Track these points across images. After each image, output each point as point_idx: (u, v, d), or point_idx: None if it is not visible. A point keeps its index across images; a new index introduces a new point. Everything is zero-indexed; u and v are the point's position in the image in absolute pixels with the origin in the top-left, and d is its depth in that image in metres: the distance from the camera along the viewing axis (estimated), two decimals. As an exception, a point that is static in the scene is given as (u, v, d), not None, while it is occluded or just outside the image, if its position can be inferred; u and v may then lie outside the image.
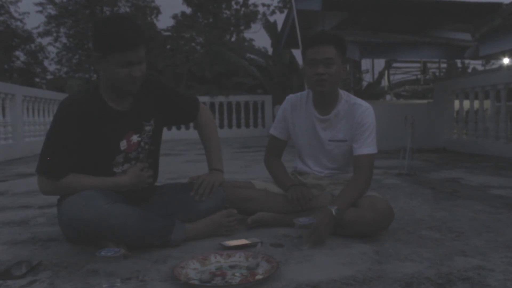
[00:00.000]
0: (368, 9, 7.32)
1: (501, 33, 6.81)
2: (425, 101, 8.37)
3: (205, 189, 1.94)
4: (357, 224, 1.83)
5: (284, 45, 9.96)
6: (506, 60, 8.68)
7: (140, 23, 2.69)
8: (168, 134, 9.76)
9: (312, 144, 2.13)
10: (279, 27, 11.07)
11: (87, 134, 1.72)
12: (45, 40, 23.61)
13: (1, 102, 6.35)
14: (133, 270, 1.53)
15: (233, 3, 22.18)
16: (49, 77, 23.13)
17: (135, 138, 1.83)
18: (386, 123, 5.36)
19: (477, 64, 13.65)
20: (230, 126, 11.44)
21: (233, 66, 13.71)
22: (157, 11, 23.24)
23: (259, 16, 21.95)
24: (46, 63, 23.84)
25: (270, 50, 15.34)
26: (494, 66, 12.02)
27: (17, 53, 23.03)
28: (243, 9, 22.45)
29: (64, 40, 23.24)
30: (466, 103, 6.64)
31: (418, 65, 11.51)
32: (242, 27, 22.54)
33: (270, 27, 13.65)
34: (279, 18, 15.68)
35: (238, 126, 11.73)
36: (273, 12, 22.32)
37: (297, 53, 11.86)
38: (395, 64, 11.98)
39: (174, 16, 21.55)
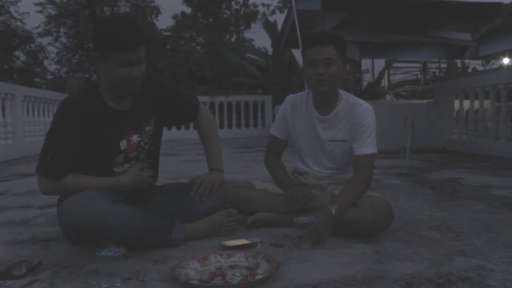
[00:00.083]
0: (368, 9, 7.32)
1: (501, 33, 6.81)
2: (425, 101, 8.38)
3: (205, 189, 1.94)
4: (357, 224, 1.83)
5: (284, 45, 9.96)
6: (506, 60, 8.68)
7: (140, 23, 2.68)
8: (168, 134, 9.76)
9: (312, 144, 2.13)
10: (279, 27, 11.07)
11: (87, 134, 1.72)
12: (45, 40, 23.65)
13: (1, 102, 6.35)
14: (133, 270, 1.53)
15: (233, 3, 22.19)
16: (49, 77, 23.14)
17: (135, 138, 1.83)
18: (386, 123, 5.36)
19: (477, 64, 13.66)
20: (230, 126, 11.44)
21: (233, 66, 13.71)
22: (157, 11, 23.24)
23: (259, 16, 21.96)
24: (46, 63, 23.89)
25: (270, 50, 15.35)
26: (494, 66, 12.02)
27: (17, 53, 23.05)
28: (243, 9, 22.46)
29: (64, 40, 23.26)
30: (466, 103, 6.64)
31: (418, 65, 11.51)
32: (242, 27, 22.54)
33: (270, 27, 13.65)
34: (279, 18, 15.70)
35: (238, 126, 11.73)
36: (273, 12, 22.33)
37: (297, 53, 11.86)
38: (395, 64, 11.98)
39: (174, 16, 21.56)
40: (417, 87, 12.96)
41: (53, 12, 22.43)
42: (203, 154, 2.14)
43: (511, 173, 3.96)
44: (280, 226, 2.04)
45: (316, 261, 1.59)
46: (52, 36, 23.09)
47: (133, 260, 1.62)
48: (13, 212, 2.64)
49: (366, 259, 1.60)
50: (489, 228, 2.02)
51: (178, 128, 10.92)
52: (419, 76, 12.32)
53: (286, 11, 12.87)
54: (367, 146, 2.00)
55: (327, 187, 2.11)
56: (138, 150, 1.86)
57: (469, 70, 14.40)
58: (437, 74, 11.48)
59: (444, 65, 10.63)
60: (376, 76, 13.01)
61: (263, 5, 22.83)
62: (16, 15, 22.67)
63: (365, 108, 2.04)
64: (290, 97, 2.20)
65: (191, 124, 8.16)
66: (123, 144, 1.80)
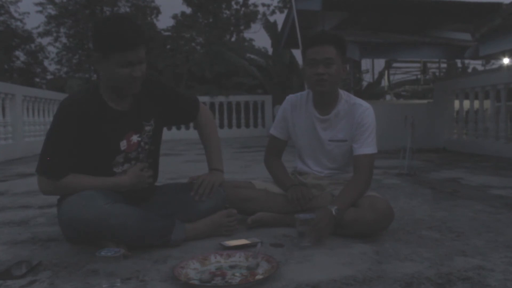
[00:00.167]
0: (368, 9, 7.32)
1: (501, 33, 6.81)
2: (425, 101, 8.38)
3: (205, 189, 1.94)
4: (357, 224, 1.83)
5: (284, 45, 9.96)
6: (506, 60, 8.68)
7: (140, 23, 2.69)
8: (168, 134, 9.76)
9: (312, 144, 2.13)
10: (279, 27, 11.07)
11: (87, 134, 1.72)
12: (45, 40, 23.65)
13: (1, 102, 6.35)
14: (133, 270, 1.53)
15: (233, 3, 22.19)
16: (49, 77, 23.14)
17: (135, 138, 1.83)
18: (386, 123, 5.36)
19: (477, 64, 13.66)
20: (230, 126, 11.44)
21: (233, 66, 13.71)
22: (157, 11, 23.24)
23: (259, 16, 21.95)
24: (46, 63, 23.88)
25: (270, 50, 15.34)
26: (494, 66, 12.02)
27: (17, 53, 23.04)
28: (243, 9, 22.46)
29: (64, 40, 23.25)
30: (466, 103, 6.64)
31: (418, 65, 11.51)
32: (242, 27, 22.54)
33: (270, 27, 13.65)
34: (279, 18, 15.70)
35: (238, 126, 11.73)
36: (273, 12, 22.32)
37: (297, 53, 11.85)
38: (395, 64, 11.98)
39: (174, 16, 21.56)
40: (417, 87, 12.96)
41: (53, 12, 22.44)
42: (203, 154, 2.14)
43: (511, 173, 3.96)
44: (280, 226, 2.04)
45: (316, 261, 1.59)
46: (52, 36, 23.11)
47: (133, 260, 1.62)
48: (13, 212, 2.64)
49: (366, 259, 1.60)
50: (489, 228, 2.02)
51: (178, 128, 10.92)
52: (419, 76, 12.32)
53: (286, 11, 12.86)
54: (367, 146, 2.00)
55: (327, 187, 2.11)
56: (138, 150, 1.86)
57: (469, 70, 14.40)
58: (437, 74, 11.48)
59: (444, 65, 10.63)
60: (376, 76, 13.02)
61: (263, 5, 22.85)
62: (16, 15, 22.71)
63: (365, 108, 2.04)
64: (290, 97, 2.20)
65: (191, 124, 8.16)
66: (123, 144, 1.80)
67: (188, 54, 16.96)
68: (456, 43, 7.22)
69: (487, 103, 6.20)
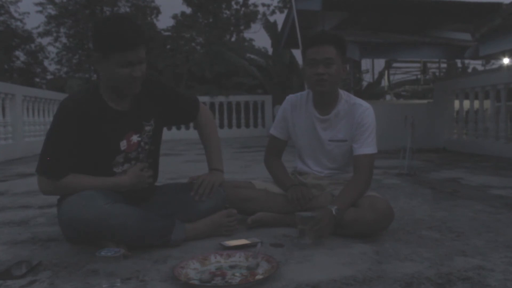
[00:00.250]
0: (368, 9, 7.32)
1: (501, 33, 6.82)
2: (425, 101, 8.38)
3: (205, 189, 1.94)
4: (357, 224, 1.83)
5: (284, 45, 9.96)
6: (506, 60, 8.68)
7: (140, 23, 2.69)
8: (168, 134, 9.76)
9: (312, 144, 2.13)
10: (279, 27, 11.07)
11: (87, 134, 1.72)
12: (45, 40, 23.65)
13: (1, 102, 6.35)
14: (133, 270, 1.53)
15: (233, 3, 22.19)
16: (49, 77, 23.13)
17: (135, 138, 1.83)
18: (386, 123, 5.36)
19: (477, 64, 13.66)
20: (230, 126, 11.44)
21: (233, 66, 13.71)
22: (157, 11, 23.24)
23: (259, 16, 21.95)
24: (46, 63, 23.88)
25: (270, 50, 15.34)
26: (494, 66, 12.02)
27: (17, 53, 23.04)
28: (243, 9, 22.46)
29: (64, 40, 23.25)
30: (466, 103, 6.64)
31: (418, 65, 11.51)
32: (242, 27, 22.54)
33: (270, 27, 13.65)
34: (279, 18, 15.70)
35: (238, 126, 11.73)
36: (273, 12, 22.32)
37: (297, 53, 11.85)
38: (395, 64, 11.98)
39: (174, 16, 21.55)
40: (417, 87, 12.96)
41: (53, 12, 22.44)
42: (203, 154, 2.14)
43: (511, 173, 3.96)
44: (280, 226, 2.04)
45: (316, 261, 1.59)
46: (52, 36, 23.10)
47: (133, 260, 1.62)
48: (13, 212, 2.64)
49: (366, 259, 1.60)
50: (489, 228, 2.02)
51: (178, 128, 10.92)
52: (419, 76, 12.32)
53: (286, 11, 12.87)
54: (367, 146, 2.00)
55: (327, 187, 2.11)
56: (138, 150, 1.86)
57: (469, 70, 14.40)
58: (437, 74, 11.48)
59: (444, 65, 10.63)
60: (376, 76, 13.02)
61: (263, 5, 22.85)
62: (16, 15, 22.71)
63: (365, 108, 2.04)
64: (290, 97, 2.20)
65: (191, 124, 8.16)
66: (123, 144, 1.80)
67: (188, 54, 16.96)
68: (456, 43, 7.22)
69: (487, 103, 6.20)
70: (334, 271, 1.48)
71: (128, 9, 22.53)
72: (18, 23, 22.85)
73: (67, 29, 22.84)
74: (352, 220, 1.82)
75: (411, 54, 7.93)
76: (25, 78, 21.28)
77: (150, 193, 1.97)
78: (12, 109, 6.54)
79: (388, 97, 12.86)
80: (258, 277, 1.41)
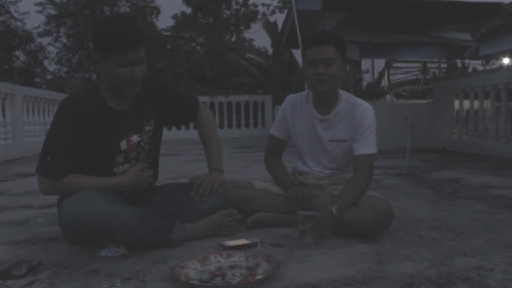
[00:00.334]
0: (368, 9, 7.32)
1: (501, 33, 6.82)
2: (425, 101, 8.38)
3: (205, 189, 1.94)
4: (357, 224, 1.83)
5: (284, 45, 9.96)
6: (506, 60, 8.68)
7: (140, 23, 2.69)
8: (168, 134, 9.76)
9: (312, 144, 2.13)
10: (279, 27, 11.07)
11: (87, 134, 1.72)
12: (45, 40, 23.65)
13: (1, 102, 6.35)
14: (133, 270, 1.53)
15: (233, 3, 22.18)
16: (49, 77, 23.13)
17: (135, 138, 1.83)
18: (386, 123, 5.36)
19: (477, 64, 13.66)
20: (230, 126, 11.44)
21: (233, 66, 13.71)
22: (157, 11, 23.24)
23: (259, 16, 21.94)
24: (46, 63, 23.88)
25: (270, 50, 15.34)
26: (494, 66, 12.02)
27: (17, 53, 23.04)
28: (243, 9, 22.46)
29: (64, 40, 23.25)
30: (466, 103, 6.64)
31: (418, 65, 11.51)
32: (242, 27, 22.53)
33: (270, 27, 13.65)
34: (279, 18, 15.68)
35: (238, 126, 11.73)
36: (273, 12, 22.32)
37: (297, 53, 11.86)
38: (395, 64, 11.98)
39: (174, 16, 21.55)
40: (417, 87, 12.97)
41: (53, 12, 22.44)
42: (203, 154, 2.14)
43: (511, 173, 3.96)
44: (280, 226, 2.04)
45: (316, 261, 1.59)
46: (52, 36, 23.10)
47: (133, 260, 1.62)
48: (13, 212, 2.64)
49: (366, 259, 1.60)
50: (489, 228, 2.02)
51: (178, 128, 10.92)
52: (419, 76, 12.32)
53: (286, 11, 12.86)
54: (367, 146, 2.00)
55: (327, 187, 2.11)
56: (138, 150, 1.86)
57: (469, 70, 14.40)
58: (437, 74, 11.48)
59: (444, 65, 10.63)
60: (376, 76, 13.02)
61: (263, 5, 22.85)
62: (16, 15, 22.71)
63: (365, 108, 2.04)
64: (290, 97, 2.20)
65: (191, 124, 8.17)
66: (123, 144, 1.80)
67: (188, 54, 16.96)
68: (456, 43, 7.22)
69: (487, 103, 6.20)
70: (334, 271, 1.48)
71: (128, 9, 22.54)
72: (18, 23, 22.88)
73: (67, 29, 22.84)
74: (352, 220, 1.82)
75: (411, 54, 7.93)
76: (25, 78, 21.28)
77: (150, 193, 1.97)
78: (12, 109, 6.54)
79: (388, 97, 12.86)
80: (258, 277, 1.41)
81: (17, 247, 1.87)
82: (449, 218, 2.22)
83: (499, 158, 5.13)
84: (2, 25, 22.27)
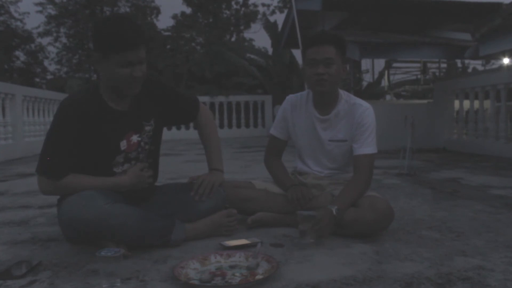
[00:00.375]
0: (368, 9, 7.32)
1: (501, 33, 6.82)
2: (425, 101, 8.38)
3: (205, 189, 1.94)
4: (357, 224, 1.83)
5: (284, 45, 9.96)
6: (506, 60, 8.68)
7: (140, 23, 2.69)
8: (168, 134, 9.76)
9: (312, 144, 2.13)
10: (279, 27, 11.07)
11: (87, 134, 1.72)
12: (45, 40, 23.65)
13: (1, 102, 6.35)
14: (133, 270, 1.53)
15: (233, 3, 22.19)
16: (49, 77, 23.13)
17: (135, 138, 1.83)
18: (386, 123, 5.36)
19: (477, 64, 13.67)
20: (230, 126, 11.44)
21: (233, 66, 13.71)
22: (157, 11, 23.24)
23: (259, 16, 21.94)
24: (46, 63, 23.88)
25: (270, 50, 15.35)
26: (494, 66, 12.02)
27: (17, 53, 23.04)
28: (243, 9, 22.46)
29: (64, 40, 23.25)
30: (466, 103, 6.64)
31: (418, 65, 11.51)
32: (242, 27, 22.54)
33: (270, 27, 13.65)
34: (279, 18, 15.68)
35: (238, 126, 11.73)
36: (273, 12, 22.33)
37: (297, 53, 11.86)
38: (395, 64, 11.98)
39: (174, 16, 21.55)
40: (417, 87, 12.97)
41: (53, 12, 22.44)
42: (203, 154, 2.14)
43: (511, 173, 3.96)
44: (280, 226, 2.04)
45: (316, 261, 1.59)
46: (52, 36, 23.11)
47: (133, 260, 1.62)
48: (13, 212, 2.64)
49: (366, 259, 1.60)
50: (489, 228, 2.02)
51: (178, 128, 10.92)
52: (419, 76, 12.32)
53: (286, 11, 12.86)
54: (367, 146, 2.00)
55: (327, 187, 2.11)
56: (138, 150, 1.86)
57: (469, 70, 14.40)
58: (437, 74, 11.48)
59: (444, 65, 10.63)
60: (376, 76, 13.02)
61: (263, 5, 22.85)
62: (16, 15, 22.71)
63: (365, 108, 2.04)
64: (290, 97, 2.20)
65: (191, 124, 8.17)
66: (123, 144, 1.80)
67: (188, 54, 16.97)
68: (456, 43, 7.22)
69: (487, 103, 6.20)
70: (334, 271, 1.48)
71: (128, 9, 22.54)
72: (18, 23, 22.89)
73: (67, 29, 22.84)
74: (352, 220, 1.82)
75: (411, 54, 7.93)
76: (25, 78, 21.28)
77: (150, 193, 1.97)
78: (12, 109, 6.54)
79: (388, 97, 12.86)
80: (258, 277, 1.41)
81: (17, 247, 1.87)
82: (449, 218, 2.22)
83: (499, 158, 5.13)
84: (2, 25, 22.28)
